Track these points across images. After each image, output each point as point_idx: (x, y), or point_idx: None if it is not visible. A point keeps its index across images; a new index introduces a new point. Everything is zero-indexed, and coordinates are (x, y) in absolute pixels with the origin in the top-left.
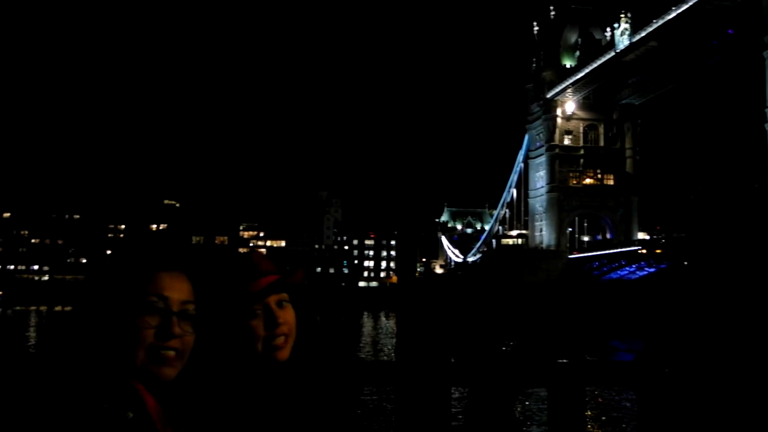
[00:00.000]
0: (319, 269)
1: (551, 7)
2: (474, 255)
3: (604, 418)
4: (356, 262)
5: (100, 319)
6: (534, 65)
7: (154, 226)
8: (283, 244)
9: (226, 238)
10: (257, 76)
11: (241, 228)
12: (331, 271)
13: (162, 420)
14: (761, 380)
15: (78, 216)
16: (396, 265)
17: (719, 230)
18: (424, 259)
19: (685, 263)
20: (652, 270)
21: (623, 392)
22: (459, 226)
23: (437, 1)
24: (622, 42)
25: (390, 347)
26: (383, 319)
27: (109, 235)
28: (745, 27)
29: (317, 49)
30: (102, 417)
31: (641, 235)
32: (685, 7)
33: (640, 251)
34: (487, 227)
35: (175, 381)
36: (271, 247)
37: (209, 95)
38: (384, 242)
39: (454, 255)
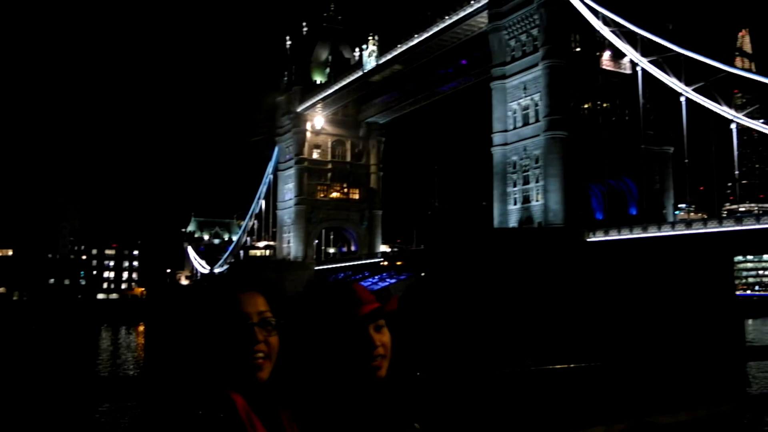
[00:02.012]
0: (52, 280)
1: (304, 23)
2: (221, 266)
3: None
4: (95, 272)
5: (200, 338)
6: (286, 78)
7: None
8: (9, 253)
9: None
10: None
11: None
12: (67, 282)
13: (249, 416)
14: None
15: None
16: (140, 276)
17: (452, 244)
18: (169, 270)
19: (422, 274)
20: (393, 281)
21: None
22: (206, 237)
23: (190, 5)
24: (370, 63)
25: (132, 363)
26: (123, 333)
27: None
28: (477, 59)
29: (58, 51)
30: (197, 419)
31: (384, 248)
32: (426, 35)
33: (382, 263)
34: (235, 238)
35: (269, 380)
36: None
37: None
38: (126, 252)
39: (201, 266)
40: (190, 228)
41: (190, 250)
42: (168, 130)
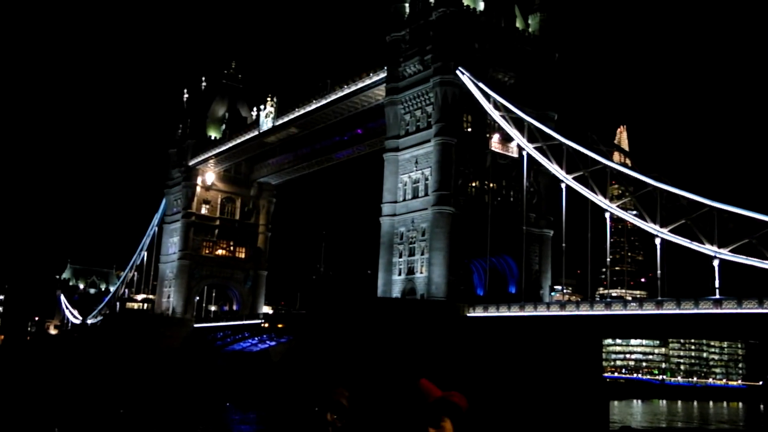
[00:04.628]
0: None
1: (203, 78)
2: (95, 317)
3: None
4: None
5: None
6: (180, 131)
7: None
8: None
9: None
10: None
11: None
12: None
13: None
14: None
15: None
16: (3, 323)
17: (334, 309)
18: (37, 318)
19: (304, 339)
20: (273, 343)
21: None
22: (82, 286)
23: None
24: (266, 123)
25: None
26: None
27: None
28: (372, 130)
29: None
30: None
31: (266, 309)
32: (323, 102)
33: (263, 324)
34: (112, 289)
35: None
36: None
37: None
38: None
39: (73, 316)
40: (65, 275)
41: (62, 298)
42: (50, 169)
